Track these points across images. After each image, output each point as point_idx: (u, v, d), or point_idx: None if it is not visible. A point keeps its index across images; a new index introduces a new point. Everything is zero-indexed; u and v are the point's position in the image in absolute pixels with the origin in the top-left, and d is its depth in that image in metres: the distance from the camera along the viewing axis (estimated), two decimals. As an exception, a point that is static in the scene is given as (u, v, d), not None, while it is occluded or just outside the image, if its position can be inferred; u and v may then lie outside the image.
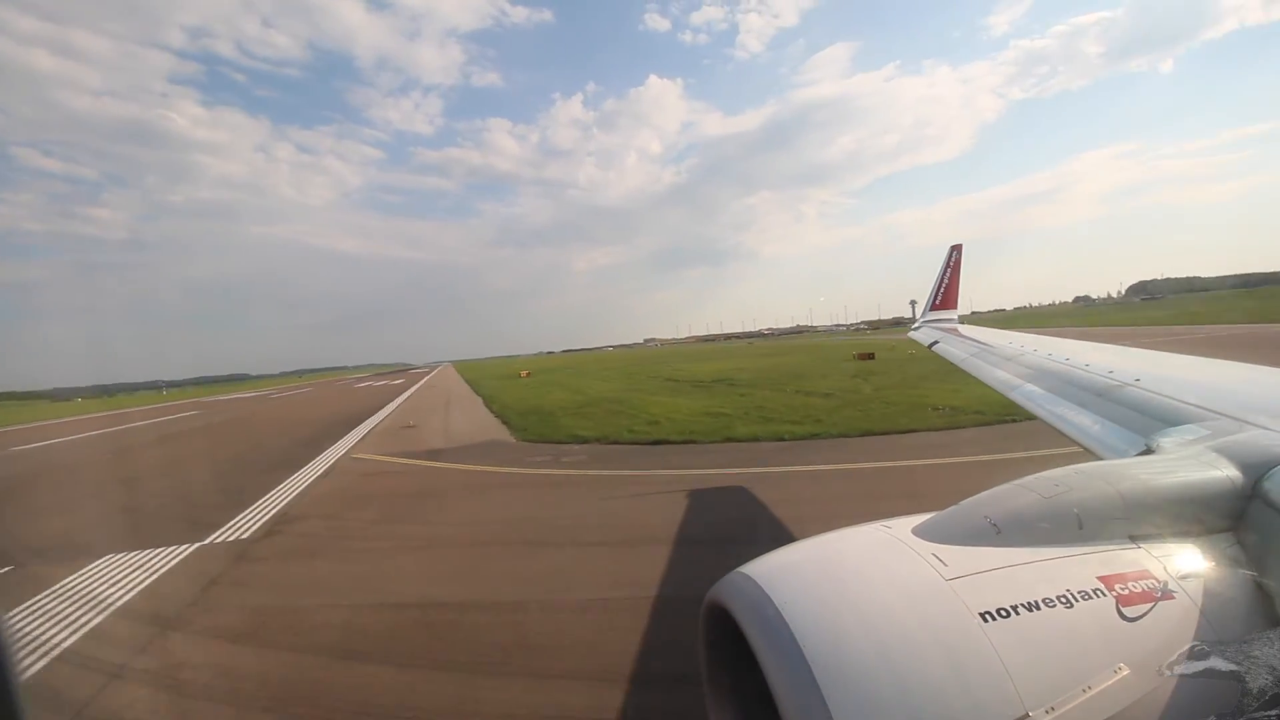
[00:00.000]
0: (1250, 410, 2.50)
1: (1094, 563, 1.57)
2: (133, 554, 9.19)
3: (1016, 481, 1.83)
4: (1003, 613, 1.42)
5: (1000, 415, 15.14)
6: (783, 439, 15.08)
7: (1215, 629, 1.50)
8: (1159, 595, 1.51)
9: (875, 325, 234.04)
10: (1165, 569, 1.58)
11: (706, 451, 14.48)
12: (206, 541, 9.73)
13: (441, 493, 12.27)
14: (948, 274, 12.34)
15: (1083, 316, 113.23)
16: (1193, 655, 1.40)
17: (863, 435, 14.84)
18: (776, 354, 65.35)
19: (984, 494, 1.80)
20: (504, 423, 22.55)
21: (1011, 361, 5.60)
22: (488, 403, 31.95)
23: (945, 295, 12.16)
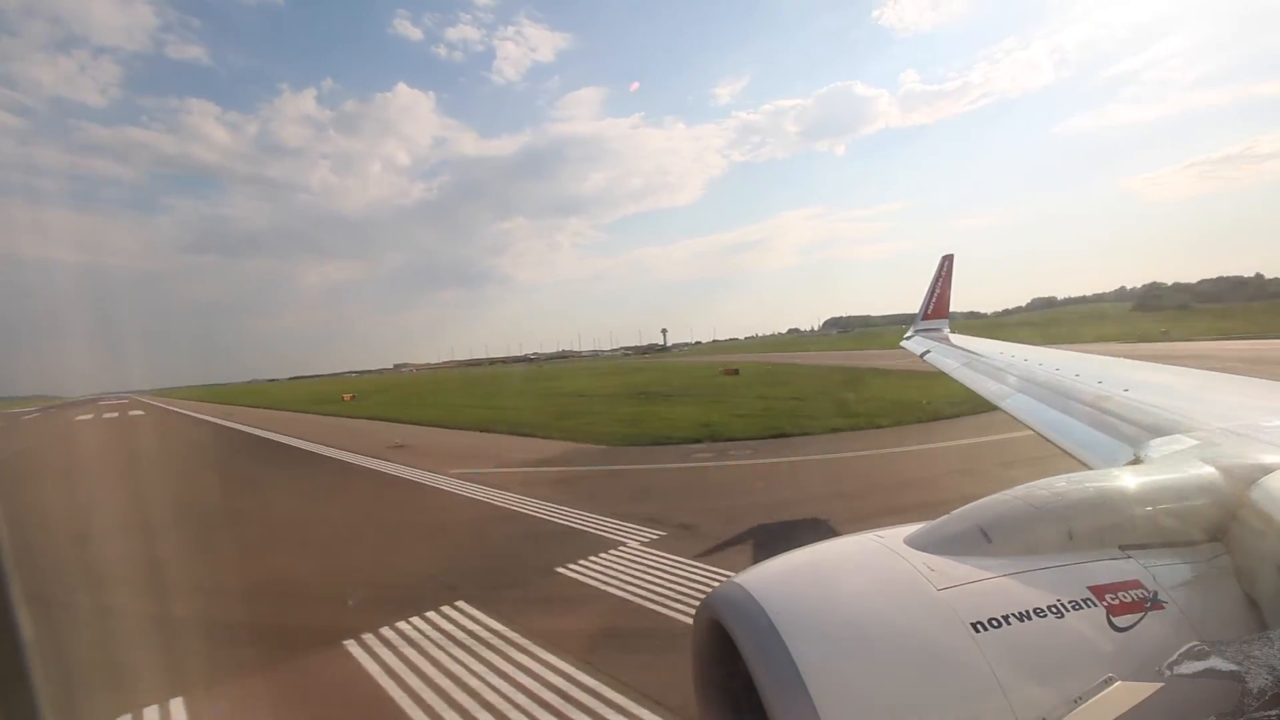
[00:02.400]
0: (1238, 420, 2.53)
1: (1084, 573, 1.57)
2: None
3: (1007, 491, 1.84)
4: (994, 623, 1.42)
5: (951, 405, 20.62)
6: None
7: (1205, 638, 1.49)
8: (1149, 605, 1.51)
9: (642, 350, 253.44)
10: (1155, 579, 1.57)
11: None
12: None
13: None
14: (939, 284, 12.64)
15: (795, 344, 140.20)
16: (1191, 656, 1.40)
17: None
18: (630, 372, 69.98)
19: (975, 504, 1.80)
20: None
21: (1002, 371, 5.71)
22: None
23: (937, 305, 12.49)
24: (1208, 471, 1.92)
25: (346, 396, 59.23)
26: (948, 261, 12.93)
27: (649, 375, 58.79)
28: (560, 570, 9.07)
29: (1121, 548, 1.65)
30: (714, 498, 12.75)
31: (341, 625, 7.53)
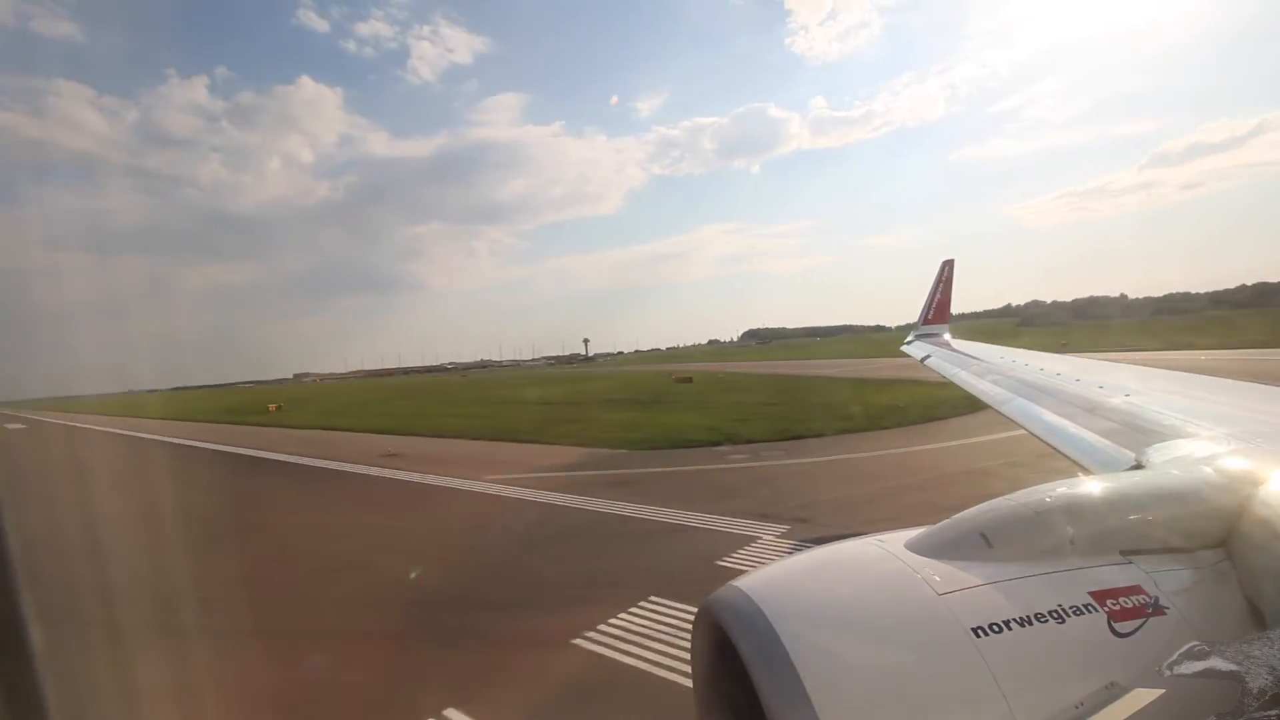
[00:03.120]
0: (1240, 427, 2.54)
1: (1085, 578, 1.56)
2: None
3: (1008, 496, 1.83)
4: (995, 628, 1.41)
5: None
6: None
7: None
8: (1150, 611, 1.50)
9: (565, 360, 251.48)
10: (1157, 584, 1.57)
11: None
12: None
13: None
14: (938, 289, 12.57)
15: (716, 355, 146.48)
16: (1191, 656, 1.39)
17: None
18: (578, 380, 69.74)
19: (976, 508, 1.79)
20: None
21: (1003, 375, 5.69)
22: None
23: (937, 310, 12.43)
24: (1210, 477, 1.93)
25: (272, 407, 55.51)
26: (948, 267, 12.77)
27: (603, 384, 58.48)
28: (722, 563, 9.26)
29: (1123, 553, 1.64)
30: (795, 493, 13.18)
31: (565, 626, 7.51)
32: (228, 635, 8.09)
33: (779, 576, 1.64)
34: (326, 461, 23.37)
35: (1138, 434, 2.89)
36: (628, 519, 12.30)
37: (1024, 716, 1.31)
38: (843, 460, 16.54)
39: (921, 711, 1.33)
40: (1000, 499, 1.81)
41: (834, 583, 1.61)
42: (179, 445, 32.40)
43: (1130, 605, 1.50)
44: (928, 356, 9.38)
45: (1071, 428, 3.49)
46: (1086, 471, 2.84)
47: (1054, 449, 3.46)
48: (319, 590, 9.83)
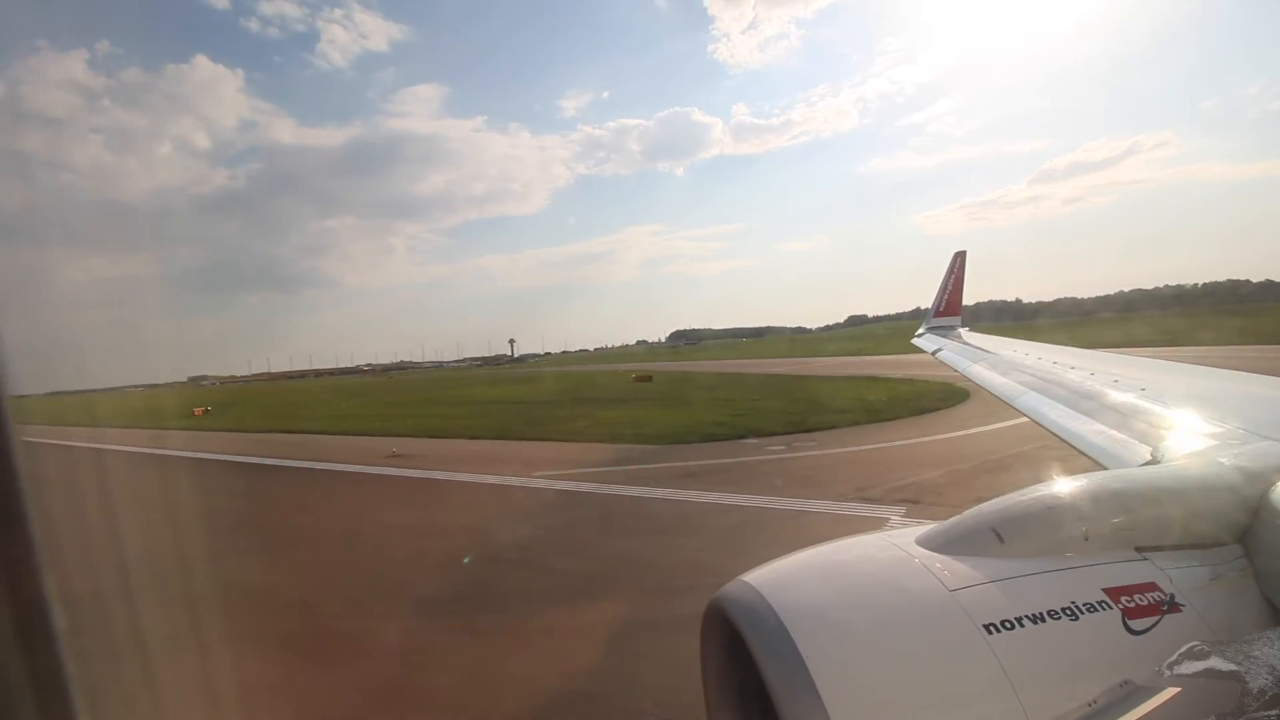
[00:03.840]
0: (1257, 421, 2.48)
1: (1099, 574, 1.55)
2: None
3: (1020, 491, 1.82)
4: (1007, 624, 1.41)
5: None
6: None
7: None
8: (1166, 608, 1.49)
9: (492, 361, 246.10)
10: (1172, 581, 1.55)
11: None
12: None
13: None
14: (950, 281, 12.49)
15: (649, 355, 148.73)
16: (1192, 655, 1.39)
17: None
18: (528, 381, 67.39)
19: (988, 503, 1.78)
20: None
21: (1016, 369, 5.63)
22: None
23: (949, 302, 12.30)
24: (1227, 472, 1.91)
25: (198, 410, 51.09)
26: (960, 258, 12.83)
27: (558, 384, 56.68)
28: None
29: (1138, 549, 1.63)
30: (873, 478, 13.42)
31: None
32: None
33: (789, 571, 1.65)
34: (333, 465, 21.38)
35: (1153, 428, 2.88)
36: (736, 508, 12.03)
37: (1036, 714, 1.32)
38: (884, 449, 16.91)
39: (934, 708, 1.34)
40: (1012, 494, 1.81)
41: (844, 578, 1.61)
42: (145, 455, 26.14)
43: (1145, 603, 1.50)
44: (939, 350, 9.40)
45: (1085, 422, 3.49)
46: (1100, 466, 2.82)
47: (1067, 443, 3.46)
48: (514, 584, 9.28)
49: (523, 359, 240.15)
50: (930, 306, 12.89)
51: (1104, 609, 1.47)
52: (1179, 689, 1.35)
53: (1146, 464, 2.44)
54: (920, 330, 12.41)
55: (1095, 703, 1.34)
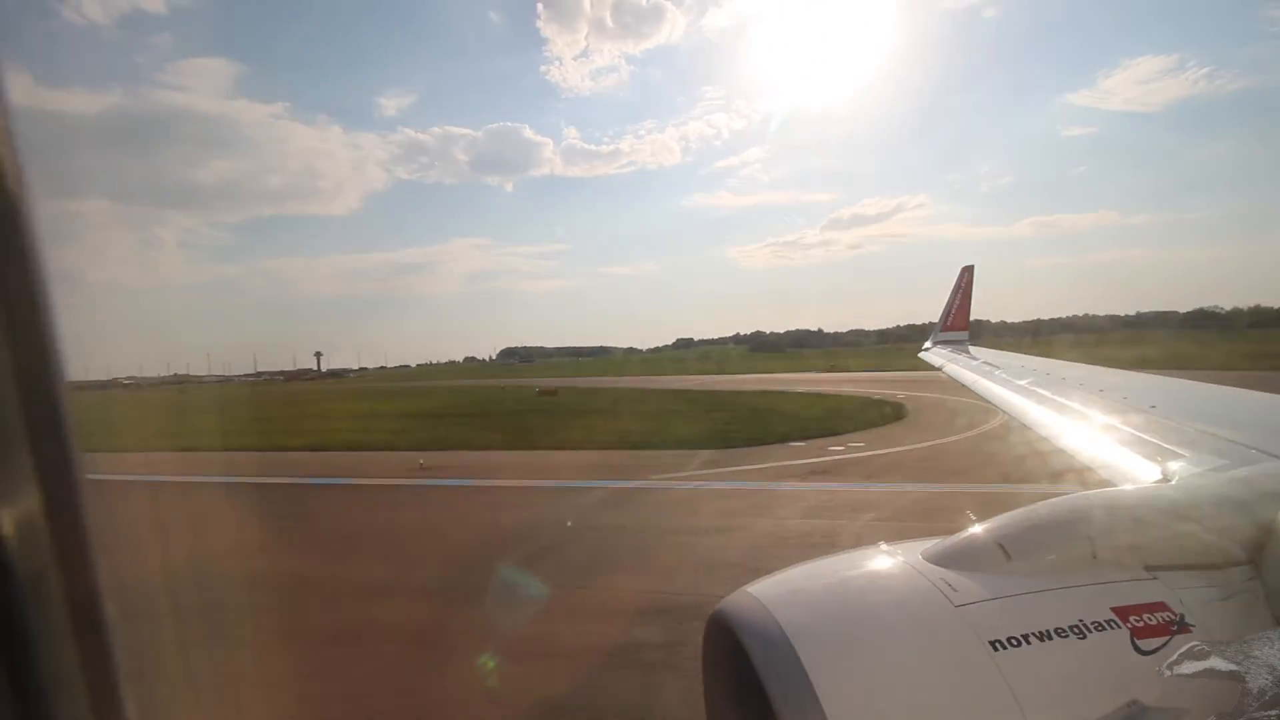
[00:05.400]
0: (1271, 439, 2.45)
1: (1108, 593, 1.52)
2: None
3: (1028, 507, 1.79)
4: (1013, 641, 1.39)
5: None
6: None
7: None
8: (1175, 628, 1.46)
9: (300, 375, 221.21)
10: (1182, 601, 1.52)
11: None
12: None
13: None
14: (958, 295, 12.45)
15: (481, 372, 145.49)
16: (1192, 655, 1.37)
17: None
18: (403, 397, 61.76)
19: (995, 519, 1.76)
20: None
21: (1023, 384, 5.59)
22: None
23: (956, 317, 12.27)
24: (1240, 490, 1.90)
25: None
26: (968, 273, 12.79)
27: (453, 398, 53.97)
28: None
29: (1147, 568, 1.60)
30: (987, 468, 14.70)
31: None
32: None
33: (793, 584, 1.65)
34: (374, 480, 19.41)
35: (1163, 445, 2.84)
36: (944, 494, 12.94)
37: None
38: (938, 445, 19.42)
39: None
40: (1019, 510, 1.79)
41: (849, 591, 1.61)
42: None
43: (1154, 622, 1.47)
44: (947, 364, 9.44)
45: (1094, 438, 3.44)
46: (1109, 483, 2.79)
47: (1076, 459, 3.42)
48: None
49: (339, 373, 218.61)
50: (944, 319, 12.57)
51: (1112, 628, 1.45)
52: (1188, 710, 1.34)
53: (1157, 481, 2.41)
54: (926, 344, 12.31)
55: None
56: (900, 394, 36.20)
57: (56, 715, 0.61)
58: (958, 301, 12.55)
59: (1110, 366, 5.95)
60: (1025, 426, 4.53)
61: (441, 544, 12.35)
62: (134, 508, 12.50)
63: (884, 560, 1.69)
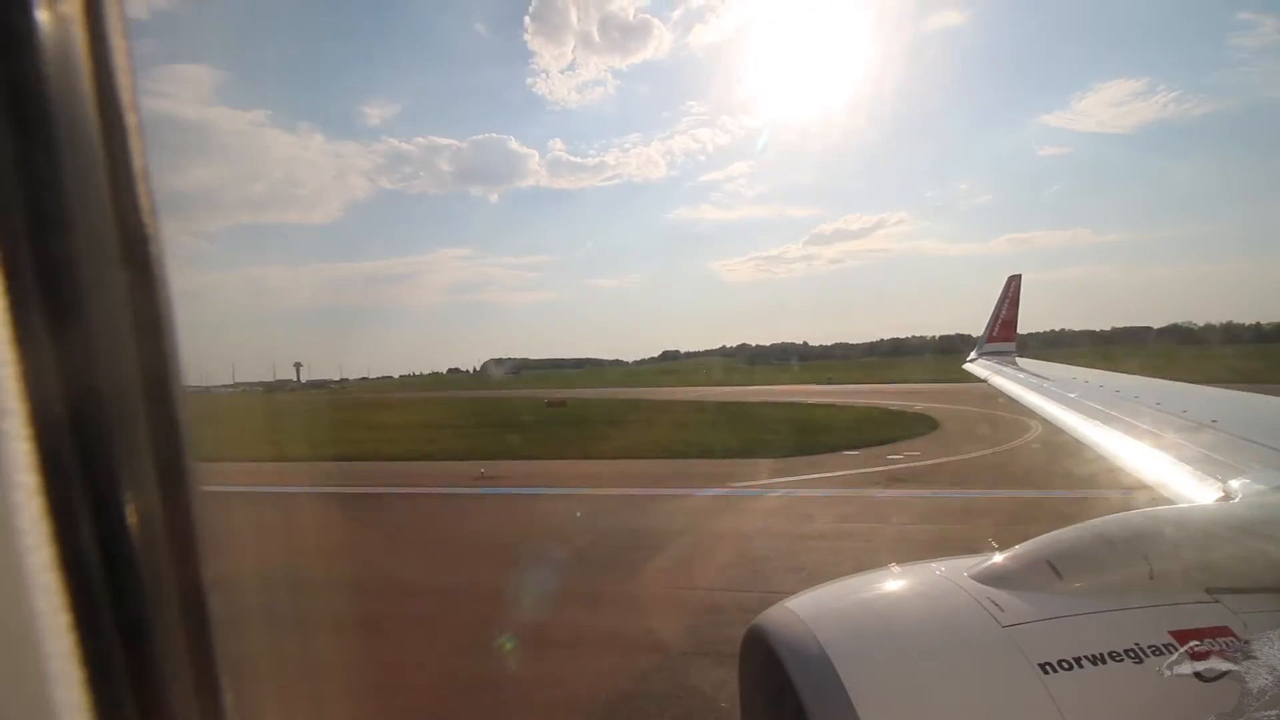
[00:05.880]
0: None
1: (1166, 616, 1.45)
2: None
3: (1081, 525, 1.73)
4: (1064, 664, 1.34)
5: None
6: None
7: None
8: (1239, 655, 1.38)
9: (283, 386, 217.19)
10: (1246, 626, 1.44)
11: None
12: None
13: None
14: (1004, 305, 12.14)
15: (473, 383, 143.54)
16: (1193, 655, 1.34)
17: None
18: (403, 408, 60.45)
19: (1045, 536, 1.70)
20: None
21: (1075, 397, 5.44)
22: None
23: (1003, 327, 11.98)
24: None
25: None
26: (1014, 282, 12.47)
27: (454, 410, 51.67)
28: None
29: (1209, 591, 1.53)
30: (1067, 477, 13.93)
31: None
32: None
33: (834, 599, 1.63)
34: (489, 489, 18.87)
35: (1226, 462, 2.73)
36: (1073, 499, 12.73)
37: None
38: (997, 454, 19.84)
39: None
40: (1071, 528, 1.73)
41: (891, 609, 1.58)
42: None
43: (1217, 648, 1.39)
44: (993, 375, 9.16)
45: (1151, 453, 3.32)
46: (1167, 501, 2.69)
47: (1132, 476, 3.31)
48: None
49: (320, 384, 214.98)
50: (990, 329, 12.14)
51: (1170, 653, 1.38)
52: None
53: (1219, 499, 2.33)
54: (971, 355, 11.90)
55: None
56: (917, 405, 36.29)
57: (166, 695, 0.64)
58: (1004, 312, 12.08)
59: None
60: (1079, 440, 4.39)
61: (615, 553, 11.65)
62: (242, 516, 12.37)
63: (927, 577, 1.64)
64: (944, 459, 19.79)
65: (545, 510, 16.53)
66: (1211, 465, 2.78)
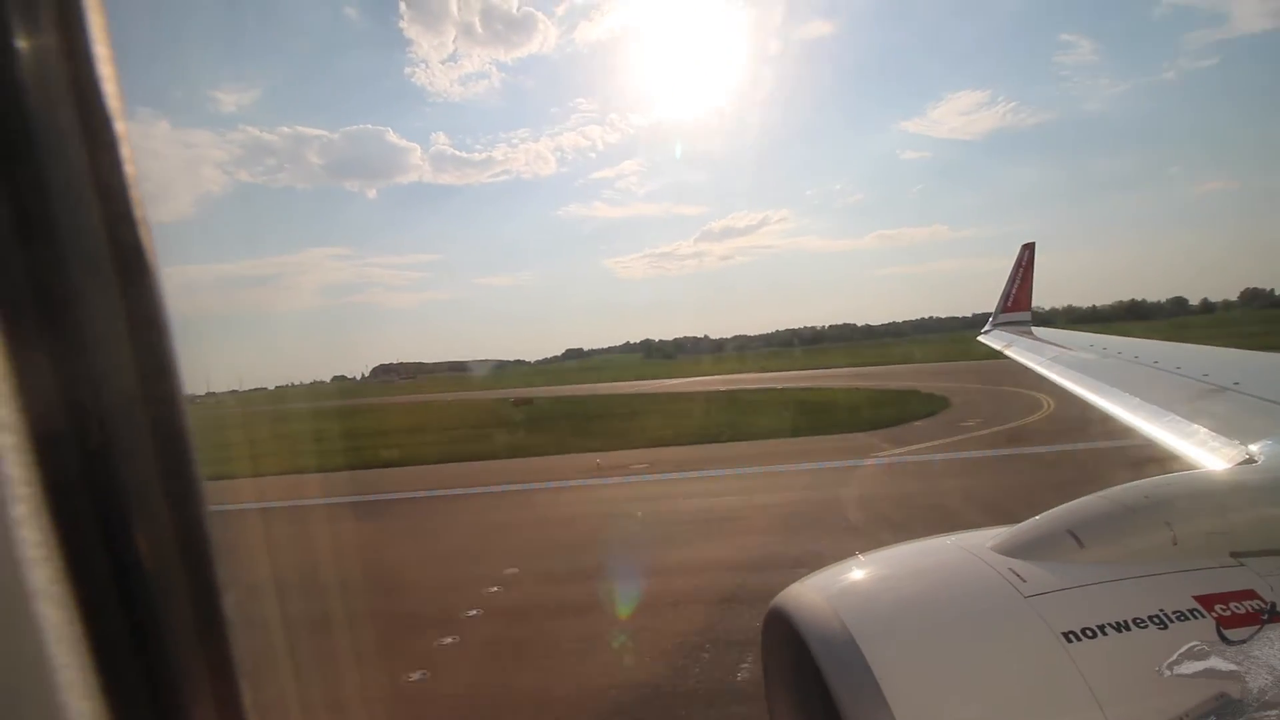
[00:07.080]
0: None
1: (1190, 581, 1.45)
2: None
3: (1102, 493, 1.71)
4: (1088, 633, 1.33)
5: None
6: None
7: None
8: (1266, 617, 1.38)
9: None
10: (1273, 588, 1.43)
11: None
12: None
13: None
14: (1019, 274, 11.99)
15: (343, 393, 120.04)
16: (1191, 655, 1.31)
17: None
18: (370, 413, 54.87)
19: (1066, 506, 1.70)
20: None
21: (1094, 364, 5.40)
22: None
23: (1017, 298, 11.83)
24: None
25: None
26: (1028, 251, 12.29)
27: (429, 414, 48.40)
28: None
29: (1233, 555, 1.52)
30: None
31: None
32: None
33: (855, 576, 1.63)
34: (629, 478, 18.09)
35: (1249, 425, 2.68)
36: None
37: None
38: (1052, 415, 20.88)
39: (1008, 719, 1.30)
40: (1092, 496, 1.72)
41: (913, 584, 1.59)
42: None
43: (1242, 611, 1.39)
44: (1008, 346, 9.15)
45: (1172, 418, 3.25)
46: (1189, 465, 2.63)
47: (1153, 441, 3.25)
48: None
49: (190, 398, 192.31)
50: (1005, 299, 12.05)
51: (1196, 617, 1.38)
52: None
53: (1241, 463, 2.28)
54: (986, 328, 11.80)
55: (1186, 716, 1.25)
56: (900, 384, 36.76)
57: (182, 699, 0.65)
58: (1019, 281, 11.91)
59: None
60: (1102, 406, 4.31)
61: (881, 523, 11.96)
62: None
63: (948, 551, 1.64)
64: (1019, 422, 21.26)
65: (744, 489, 16.15)
66: (1234, 427, 2.72)
